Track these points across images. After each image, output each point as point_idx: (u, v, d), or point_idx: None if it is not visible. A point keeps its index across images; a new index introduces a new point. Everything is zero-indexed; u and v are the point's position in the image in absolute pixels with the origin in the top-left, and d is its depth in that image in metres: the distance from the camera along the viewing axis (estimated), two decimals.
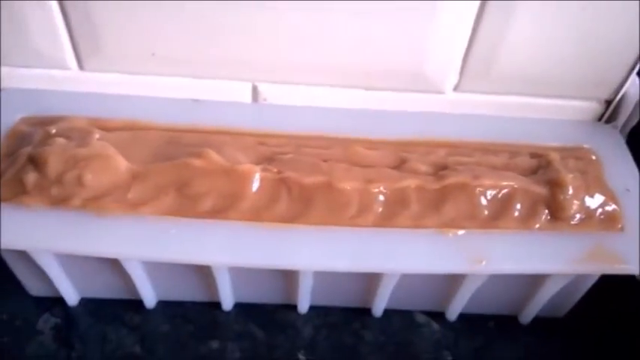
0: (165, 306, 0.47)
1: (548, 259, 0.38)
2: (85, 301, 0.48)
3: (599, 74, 0.45)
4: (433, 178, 0.40)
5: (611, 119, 0.48)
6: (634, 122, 0.47)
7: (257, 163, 0.40)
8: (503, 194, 0.40)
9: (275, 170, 0.39)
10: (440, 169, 0.41)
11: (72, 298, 0.47)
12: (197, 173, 0.38)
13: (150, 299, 0.46)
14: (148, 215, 0.38)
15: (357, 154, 0.42)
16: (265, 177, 0.39)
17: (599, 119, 0.48)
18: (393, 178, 0.40)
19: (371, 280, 0.41)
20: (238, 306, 0.47)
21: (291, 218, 0.38)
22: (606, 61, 0.44)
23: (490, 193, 0.40)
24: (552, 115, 0.47)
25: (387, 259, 0.38)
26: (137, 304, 0.47)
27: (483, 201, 0.39)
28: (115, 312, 0.47)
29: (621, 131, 0.47)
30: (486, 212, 0.39)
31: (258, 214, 0.38)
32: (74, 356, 0.45)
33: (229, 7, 0.40)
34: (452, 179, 0.39)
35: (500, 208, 0.40)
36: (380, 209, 0.39)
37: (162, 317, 0.47)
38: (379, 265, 0.38)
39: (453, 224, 0.39)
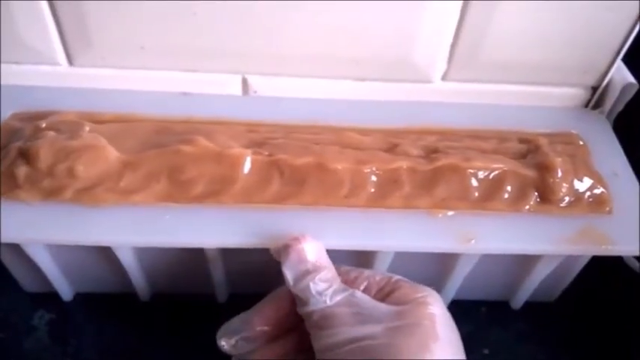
0: (160, 299, 0.48)
1: (537, 240, 0.39)
2: (79, 296, 0.48)
3: (585, 61, 0.45)
4: (425, 160, 0.40)
5: (597, 105, 0.48)
6: (620, 108, 0.47)
7: (248, 148, 0.40)
8: (494, 176, 0.40)
9: (266, 153, 0.39)
10: (431, 153, 0.41)
11: (66, 293, 0.47)
12: (188, 159, 0.39)
13: (144, 292, 0.46)
14: (140, 203, 0.38)
15: (348, 139, 0.42)
16: (256, 160, 0.39)
17: (586, 105, 0.48)
18: (385, 160, 0.40)
19: (363, 262, 0.42)
20: (233, 297, 0.47)
21: (284, 199, 0.39)
22: (592, 48, 0.44)
23: (481, 175, 0.40)
24: (540, 102, 0.48)
25: (379, 238, 0.38)
26: (132, 297, 0.47)
27: (474, 183, 0.40)
28: (110, 306, 0.47)
29: (608, 117, 0.48)
30: (477, 194, 0.40)
31: (251, 196, 0.39)
32: (70, 351, 0.45)
33: (218, 0, 0.40)
34: (443, 161, 0.40)
35: (491, 190, 0.40)
36: (372, 189, 0.39)
37: (158, 310, 0.47)
38: (371, 244, 0.38)
39: (444, 205, 0.39)
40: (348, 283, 0.35)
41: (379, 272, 0.36)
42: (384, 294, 0.35)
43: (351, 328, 0.32)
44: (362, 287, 0.35)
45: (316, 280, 0.34)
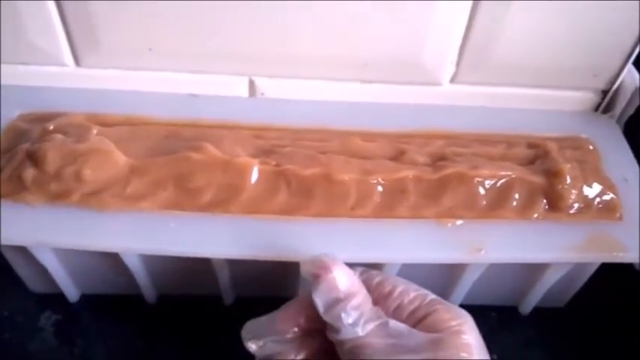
0: (166, 301, 0.47)
1: (547, 248, 0.38)
2: (85, 298, 0.48)
3: (595, 64, 0.45)
4: (431, 168, 0.40)
5: (607, 109, 0.48)
6: (631, 112, 0.47)
7: (255, 157, 0.40)
8: (502, 184, 0.40)
9: (273, 163, 0.39)
10: (438, 160, 0.41)
11: (73, 294, 0.47)
12: (195, 167, 0.38)
13: (151, 294, 0.46)
14: (147, 209, 0.38)
15: (355, 146, 0.42)
16: (264, 170, 0.39)
17: (596, 109, 0.48)
18: (391, 169, 0.40)
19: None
20: (240, 300, 0.47)
21: (291, 210, 0.39)
22: (602, 52, 0.44)
23: (488, 183, 0.40)
24: (549, 105, 0.47)
25: (386, 249, 0.38)
26: (138, 299, 0.47)
27: (481, 191, 0.40)
28: (116, 308, 0.47)
29: (618, 121, 0.48)
30: (484, 202, 0.40)
31: (258, 206, 0.38)
32: (76, 352, 0.45)
33: (225, 2, 0.40)
34: (450, 170, 0.39)
35: (499, 198, 0.40)
36: (379, 200, 0.39)
37: (164, 312, 0.47)
38: (379, 256, 0.38)
39: (451, 214, 0.39)
40: (381, 299, 0.34)
41: (413, 287, 0.35)
42: (417, 318, 0.33)
43: (385, 359, 0.31)
44: (394, 306, 0.34)
45: (348, 309, 0.33)
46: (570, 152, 0.43)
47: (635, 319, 0.48)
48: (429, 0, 0.40)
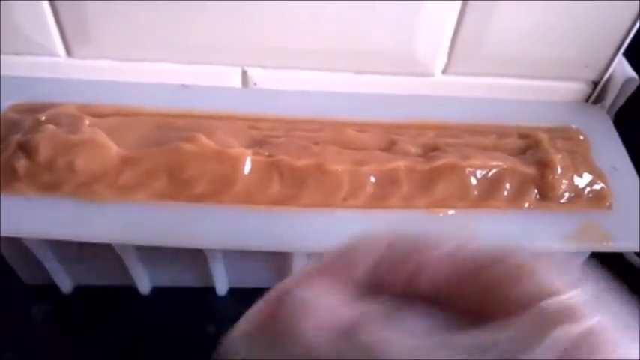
0: (159, 292, 0.48)
1: (537, 237, 0.39)
2: (79, 289, 0.48)
3: (586, 55, 0.45)
4: (423, 159, 0.40)
5: (598, 100, 0.48)
6: (621, 102, 0.47)
7: (248, 147, 0.40)
8: (493, 174, 0.40)
9: (266, 154, 0.39)
10: (430, 151, 0.41)
11: (66, 285, 0.47)
12: (188, 158, 0.38)
13: (144, 285, 0.46)
14: (139, 200, 0.38)
15: (347, 136, 0.42)
16: (256, 160, 0.39)
17: (587, 100, 0.48)
18: (383, 160, 0.40)
19: None
20: (233, 291, 0.47)
21: (283, 201, 0.39)
22: (593, 43, 0.44)
23: (480, 174, 0.40)
24: (540, 96, 0.48)
25: None
26: (131, 290, 0.47)
27: (473, 181, 0.40)
28: (110, 299, 0.47)
29: (608, 112, 0.48)
30: (476, 192, 0.40)
31: (250, 197, 0.38)
32: (69, 344, 0.45)
33: None
34: (442, 160, 0.40)
35: (490, 188, 0.40)
36: (371, 190, 0.39)
37: (157, 303, 0.47)
38: None
39: (443, 204, 0.39)
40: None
41: None
42: None
43: None
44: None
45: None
46: (561, 142, 0.43)
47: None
48: None
